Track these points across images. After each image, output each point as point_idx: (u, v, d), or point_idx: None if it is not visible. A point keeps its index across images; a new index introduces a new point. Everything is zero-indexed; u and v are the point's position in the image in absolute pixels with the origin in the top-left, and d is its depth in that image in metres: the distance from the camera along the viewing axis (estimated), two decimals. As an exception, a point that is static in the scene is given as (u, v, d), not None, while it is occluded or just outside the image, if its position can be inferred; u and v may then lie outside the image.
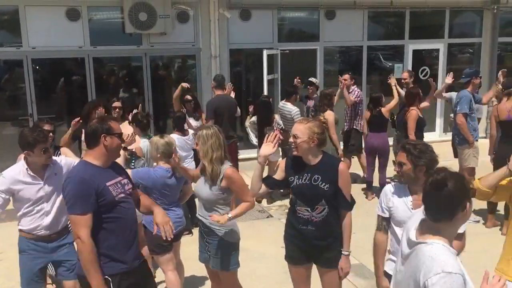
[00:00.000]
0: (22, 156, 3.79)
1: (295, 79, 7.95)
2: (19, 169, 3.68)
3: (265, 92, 8.52)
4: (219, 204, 3.70)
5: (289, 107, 7.09)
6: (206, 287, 4.76)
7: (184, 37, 8.96)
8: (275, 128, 6.79)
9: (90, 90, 8.56)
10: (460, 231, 2.99)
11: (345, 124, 7.97)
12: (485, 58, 10.86)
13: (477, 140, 6.53)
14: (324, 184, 3.29)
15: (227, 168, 3.62)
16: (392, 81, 7.67)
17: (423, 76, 10.44)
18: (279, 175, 3.51)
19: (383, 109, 7.05)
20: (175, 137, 5.62)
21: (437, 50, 10.74)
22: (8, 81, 8.54)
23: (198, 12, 8.88)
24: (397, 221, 3.09)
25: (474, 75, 6.60)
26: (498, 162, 6.04)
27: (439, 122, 10.69)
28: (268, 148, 3.35)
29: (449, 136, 8.81)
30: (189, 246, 4.82)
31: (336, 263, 3.43)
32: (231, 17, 8.93)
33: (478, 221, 6.33)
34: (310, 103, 7.90)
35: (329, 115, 6.72)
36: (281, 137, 6.80)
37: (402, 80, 7.76)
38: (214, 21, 8.85)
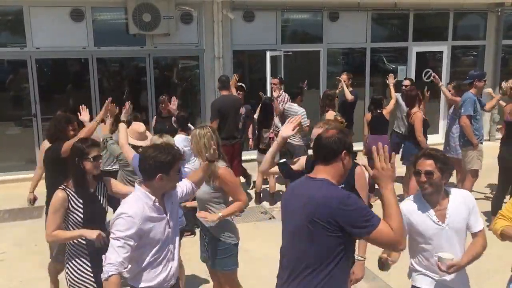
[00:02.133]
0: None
1: (303, 84, 8.02)
2: (142, 202, 2.76)
3: (268, 94, 8.52)
4: (213, 203, 3.71)
5: (296, 108, 7.09)
6: (208, 287, 4.76)
7: (188, 38, 8.97)
8: (271, 130, 6.80)
9: (94, 91, 8.59)
10: (479, 228, 2.97)
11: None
12: (488, 60, 10.84)
13: (481, 143, 6.51)
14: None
15: (220, 168, 3.62)
16: (391, 80, 7.67)
17: (427, 79, 10.42)
18: (296, 166, 3.49)
19: (384, 111, 7.04)
20: (180, 137, 5.62)
21: (441, 53, 10.72)
22: (12, 81, 8.58)
23: (201, 13, 8.90)
24: (423, 236, 2.96)
25: (478, 78, 6.56)
26: (499, 164, 6.05)
27: (442, 124, 10.66)
28: (288, 129, 3.33)
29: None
30: (192, 247, 4.82)
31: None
32: (234, 18, 8.95)
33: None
34: None
35: (331, 116, 6.71)
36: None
37: (403, 87, 7.74)
38: (217, 22, 8.87)
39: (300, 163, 3.56)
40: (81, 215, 3.21)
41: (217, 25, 8.87)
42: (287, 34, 9.76)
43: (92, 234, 3.11)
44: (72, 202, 3.20)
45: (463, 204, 2.94)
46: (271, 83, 8.04)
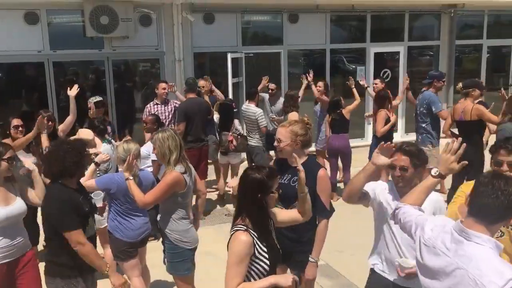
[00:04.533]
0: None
1: (267, 84, 8.09)
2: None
3: (230, 96, 8.52)
4: (173, 206, 3.71)
5: (253, 109, 7.12)
6: (172, 292, 4.71)
7: (147, 41, 8.87)
8: (230, 133, 6.81)
9: (50, 95, 8.36)
10: None
11: None
12: (443, 60, 11.19)
13: (438, 144, 6.69)
14: None
15: (170, 172, 3.62)
16: (351, 83, 7.83)
17: (385, 78, 10.66)
18: None
19: (343, 111, 7.17)
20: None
21: (398, 53, 11.00)
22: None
23: (161, 16, 8.81)
24: (386, 223, 3.06)
25: (437, 78, 6.77)
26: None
27: (401, 122, 10.94)
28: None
29: (410, 136, 9.07)
30: (156, 252, 4.76)
31: (303, 268, 3.44)
32: (194, 20, 8.91)
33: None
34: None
35: (294, 116, 6.79)
36: (234, 143, 6.88)
37: (374, 85, 7.90)
38: (177, 24, 8.80)
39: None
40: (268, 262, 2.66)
41: (177, 27, 8.81)
42: (247, 36, 9.79)
43: (287, 280, 2.56)
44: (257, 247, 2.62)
45: (431, 203, 2.99)
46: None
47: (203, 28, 9.18)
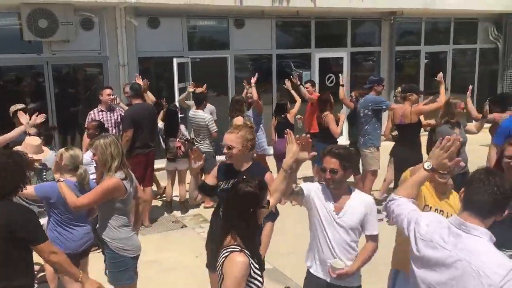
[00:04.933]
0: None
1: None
2: None
3: (177, 101, 8.42)
4: (111, 212, 3.63)
5: (202, 115, 7.07)
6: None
7: (89, 45, 8.61)
8: (177, 139, 6.73)
9: (-14, 101, 7.93)
10: (374, 232, 3.18)
11: None
12: (384, 65, 11.60)
13: (379, 146, 6.90)
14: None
15: (112, 177, 3.56)
16: (288, 85, 7.97)
17: (330, 83, 10.92)
18: (211, 180, 3.58)
19: (288, 115, 7.26)
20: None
21: (341, 58, 11.29)
22: None
23: (103, 19, 8.59)
24: (319, 222, 3.13)
25: (377, 82, 7.01)
26: (396, 163, 6.47)
27: (344, 127, 11.19)
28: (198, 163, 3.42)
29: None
30: (98, 263, 4.61)
31: None
32: (138, 24, 8.75)
33: (382, 219, 6.67)
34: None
35: (239, 121, 6.80)
36: (182, 149, 6.80)
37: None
38: (120, 28, 8.62)
39: (212, 174, 3.59)
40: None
41: (120, 31, 8.62)
42: (194, 41, 9.73)
43: None
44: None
45: (362, 206, 3.13)
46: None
47: (148, 32, 9.03)
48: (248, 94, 7.85)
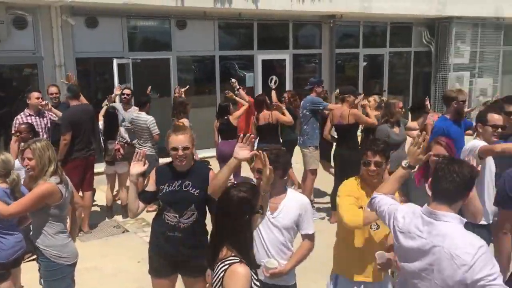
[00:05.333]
0: None
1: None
2: None
3: (117, 103, 8.22)
4: (46, 219, 3.51)
5: (144, 117, 6.94)
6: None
7: (23, 45, 8.22)
8: (116, 142, 6.58)
9: None
10: (309, 231, 3.23)
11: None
12: (325, 68, 11.88)
13: (318, 145, 7.05)
14: (194, 189, 3.34)
15: (46, 182, 3.44)
16: (231, 94, 7.98)
17: (274, 84, 11.03)
18: (151, 186, 3.47)
19: (230, 117, 7.28)
20: None
21: (284, 60, 11.45)
22: None
23: (37, 18, 8.22)
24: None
25: (316, 84, 7.16)
26: (336, 164, 6.64)
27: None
28: (139, 166, 3.31)
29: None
30: (32, 272, 4.42)
31: (203, 272, 3.39)
32: (76, 24, 8.46)
33: (323, 218, 6.85)
34: None
35: (184, 123, 6.73)
36: (121, 151, 6.66)
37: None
38: (56, 28, 8.29)
39: (152, 179, 3.51)
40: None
41: (56, 31, 8.29)
42: (135, 42, 9.54)
43: None
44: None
45: (297, 206, 3.19)
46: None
47: (85, 32, 8.75)
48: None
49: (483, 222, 3.92)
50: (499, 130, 3.92)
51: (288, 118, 6.91)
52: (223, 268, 2.22)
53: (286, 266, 3.16)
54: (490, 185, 3.93)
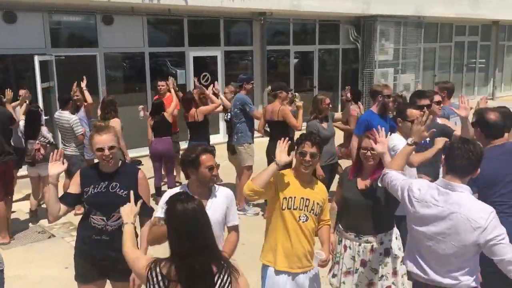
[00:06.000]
0: None
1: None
2: None
3: (40, 102, 7.82)
4: None
5: (67, 116, 6.64)
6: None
7: None
8: (37, 142, 6.26)
9: None
10: (236, 222, 3.27)
11: None
12: (257, 64, 11.97)
13: (252, 142, 7.09)
14: (122, 191, 3.25)
15: None
16: (170, 85, 7.82)
17: (205, 82, 10.95)
18: (74, 189, 3.33)
19: (165, 114, 7.15)
20: None
21: (216, 57, 11.40)
22: None
23: None
24: None
25: (246, 81, 7.18)
26: (269, 159, 6.71)
27: (222, 125, 11.36)
28: (57, 166, 3.19)
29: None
30: None
31: (130, 275, 3.33)
32: (-9, 18, 7.96)
33: (258, 214, 6.91)
34: None
35: (116, 123, 6.55)
36: (42, 152, 6.34)
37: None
38: (-31, 22, 7.75)
39: (75, 181, 3.36)
40: None
41: (-31, 25, 7.76)
42: (58, 38, 9.11)
43: None
44: None
45: (225, 200, 3.22)
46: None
47: (3, 28, 8.23)
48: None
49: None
50: None
51: (211, 106, 7.03)
52: (227, 279, 2.24)
53: None
54: None
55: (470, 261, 2.71)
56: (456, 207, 2.68)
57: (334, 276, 3.61)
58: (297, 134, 4.30)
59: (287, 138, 3.25)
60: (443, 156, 2.87)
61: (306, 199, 3.29)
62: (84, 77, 7.65)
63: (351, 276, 3.50)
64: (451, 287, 2.76)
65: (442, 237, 2.72)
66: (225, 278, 2.23)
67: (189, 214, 2.21)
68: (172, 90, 7.72)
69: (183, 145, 7.69)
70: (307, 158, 3.25)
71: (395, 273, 3.47)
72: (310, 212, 3.30)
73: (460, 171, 2.74)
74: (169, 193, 3.23)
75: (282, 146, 3.20)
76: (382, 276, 3.46)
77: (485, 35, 18.32)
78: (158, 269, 2.22)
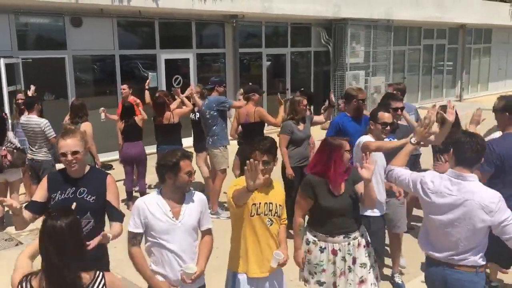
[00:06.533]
0: None
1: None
2: None
3: (6, 106, 7.60)
4: None
5: (36, 120, 6.45)
6: None
7: None
8: (4, 147, 6.08)
9: None
10: (210, 225, 3.25)
11: None
12: (229, 67, 11.95)
13: (228, 144, 7.05)
14: (90, 196, 3.17)
15: None
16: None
17: (177, 84, 10.87)
18: (41, 195, 3.21)
19: (136, 118, 7.05)
20: None
21: (187, 60, 11.33)
22: None
23: None
24: (158, 232, 3.06)
25: (218, 84, 7.14)
26: (241, 160, 6.70)
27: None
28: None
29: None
30: None
31: None
32: (-46, 20, 7.70)
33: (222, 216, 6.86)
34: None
35: (87, 126, 6.44)
36: (9, 158, 6.16)
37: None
38: None
39: (42, 187, 3.24)
40: None
41: None
42: (25, 40, 8.90)
43: None
44: None
45: (198, 205, 3.19)
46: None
47: (-34, 29, 8.00)
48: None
49: (377, 213, 4.18)
50: (388, 127, 4.19)
51: (186, 109, 7.06)
52: None
53: (201, 266, 3.14)
54: (379, 179, 4.18)
55: (480, 242, 3.02)
56: (469, 195, 2.96)
57: (321, 284, 3.57)
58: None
59: (252, 160, 2.87)
60: (451, 150, 3.12)
61: (269, 203, 3.29)
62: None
63: (343, 276, 3.55)
64: (463, 264, 3.05)
65: (458, 223, 2.99)
66: None
67: (58, 230, 2.25)
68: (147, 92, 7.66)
69: (150, 149, 7.60)
70: (260, 167, 3.15)
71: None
72: (274, 215, 3.31)
73: (470, 163, 3.03)
74: (141, 200, 3.18)
75: (251, 170, 2.85)
76: (372, 266, 3.59)
77: (453, 38, 18.81)
78: (28, 284, 2.28)
